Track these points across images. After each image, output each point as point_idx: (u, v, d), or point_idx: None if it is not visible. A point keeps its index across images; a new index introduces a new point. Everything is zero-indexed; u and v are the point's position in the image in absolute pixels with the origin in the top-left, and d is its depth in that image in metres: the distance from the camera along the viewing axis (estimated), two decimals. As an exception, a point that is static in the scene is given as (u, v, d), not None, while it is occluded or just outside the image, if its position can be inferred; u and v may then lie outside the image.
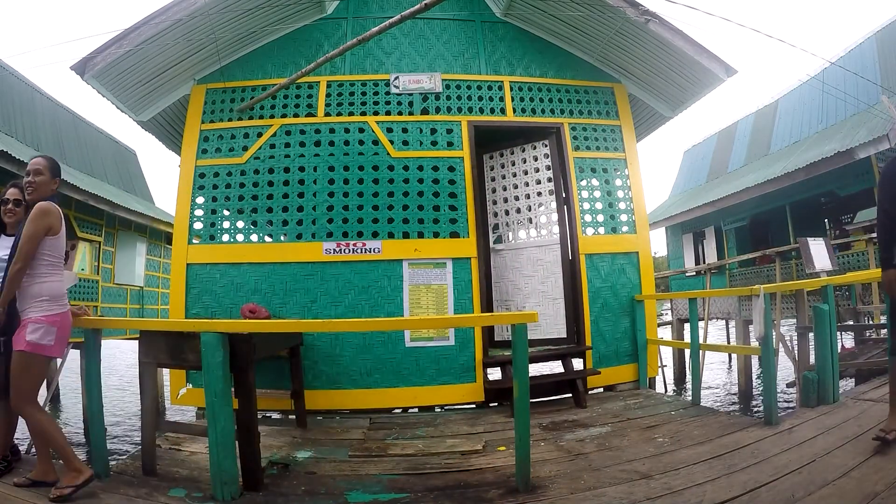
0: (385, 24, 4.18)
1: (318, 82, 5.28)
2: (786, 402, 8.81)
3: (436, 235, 4.98)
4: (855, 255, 9.16)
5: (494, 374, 5.19)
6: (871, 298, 8.45)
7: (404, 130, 5.21)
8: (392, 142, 5.16)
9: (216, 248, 4.85)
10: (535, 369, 4.66)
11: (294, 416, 4.18)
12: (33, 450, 4.32)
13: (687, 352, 10.61)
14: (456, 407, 4.90)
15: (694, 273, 14.31)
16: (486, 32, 5.66)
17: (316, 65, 4.59)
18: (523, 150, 5.55)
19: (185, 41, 4.80)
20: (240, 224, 5.04)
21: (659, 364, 7.91)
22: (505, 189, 5.68)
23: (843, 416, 3.30)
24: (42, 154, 3.43)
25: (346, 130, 5.16)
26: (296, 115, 5.21)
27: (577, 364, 4.98)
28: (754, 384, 11.12)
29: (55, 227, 2.60)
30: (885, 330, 6.55)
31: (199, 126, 5.13)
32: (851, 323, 8.78)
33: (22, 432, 3.23)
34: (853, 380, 7.11)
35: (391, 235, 4.94)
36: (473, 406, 4.79)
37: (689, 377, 12.36)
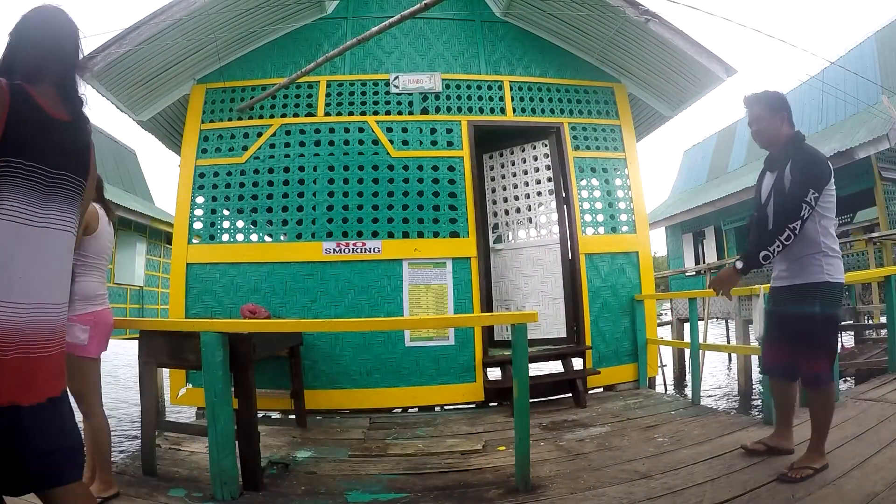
0: (385, 23, 4.19)
1: (318, 82, 5.27)
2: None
3: (436, 235, 4.98)
4: (854, 255, 9.16)
5: (494, 373, 5.19)
6: (870, 298, 8.46)
7: (404, 130, 5.21)
8: (392, 141, 5.16)
9: (216, 248, 4.85)
10: (535, 369, 4.66)
11: (294, 416, 4.18)
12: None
13: (687, 351, 10.60)
14: (456, 407, 4.90)
15: (694, 273, 14.32)
16: (486, 32, 5.65)
17: (316, 64, 4.59)
18: (523, 150, 5.55)
19: (185, 41, 4.80)
20: (240, 224, 5.04)
21: (659, 364, 7.92)
22: (505, 189, 5.67)
23: (842, 416, 3.28)
24: None
25: (346, 130, 5.16)
26: (295, 115, 5.20)
27: (577, 364, 4.97)
28: (754, 384, 11.11)
29: (91, 226, 2.53)
30: (881, 332, 6.63)
31: (198, 126, 5.12)
32: (851, 323, 8.79)
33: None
34: (853, 380, 7.12)
35: (391, 235, 4.94)
36: (473, 406, 4.79)
37: (688, 377, 12.36)
